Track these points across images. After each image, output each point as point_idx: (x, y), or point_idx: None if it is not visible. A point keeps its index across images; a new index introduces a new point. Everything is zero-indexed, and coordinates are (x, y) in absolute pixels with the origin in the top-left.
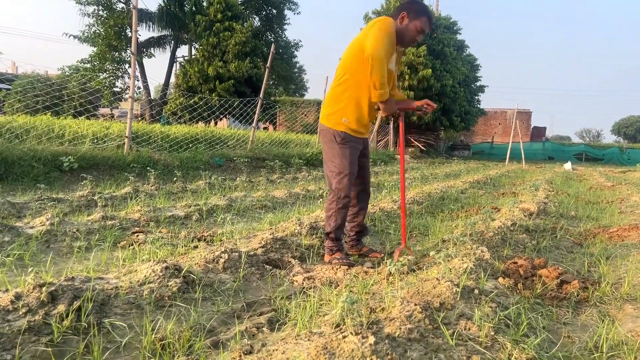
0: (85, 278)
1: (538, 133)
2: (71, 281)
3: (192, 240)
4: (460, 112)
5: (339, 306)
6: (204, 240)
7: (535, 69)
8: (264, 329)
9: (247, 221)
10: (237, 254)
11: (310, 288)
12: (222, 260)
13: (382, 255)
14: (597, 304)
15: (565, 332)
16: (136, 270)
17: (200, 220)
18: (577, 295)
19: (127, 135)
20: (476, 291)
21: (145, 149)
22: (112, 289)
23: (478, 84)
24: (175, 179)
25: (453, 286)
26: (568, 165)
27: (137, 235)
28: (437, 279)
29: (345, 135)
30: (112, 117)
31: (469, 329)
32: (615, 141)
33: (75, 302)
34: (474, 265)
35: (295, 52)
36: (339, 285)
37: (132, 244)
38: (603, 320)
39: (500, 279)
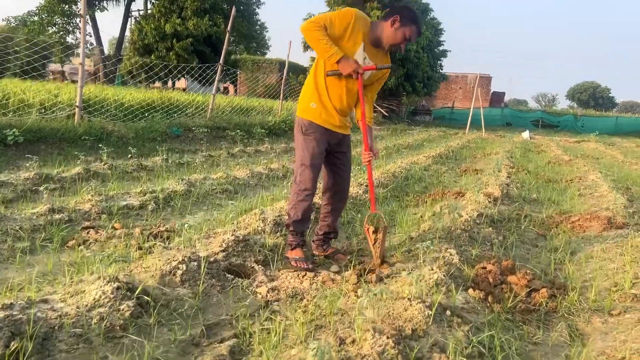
0: (26, 303)
1: (497, 98)
2: (9, 310)
3: (148, 238)
4: (423, 78)
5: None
6: (160, 237)
7: (496, 32)
8: None
9: (207, 209)
10: (195, 263)
11: (274, 301)
12: (179, 272)
13: (349, 257)
14: (566, 315)
15: (538, 356)
16: (84, 291)
17: (156, 211)
18: (546, 305)
19: (77, 104)
20: (448, 312)
21: (98, 119)
22: (56, 317)
23: (441, 48)
24: (130, 155)
25: (425, 309)
26: (526, 134)
27: (88, 232)
28: (408, 299)
29: (309, 125)
30: (63, 74)
31: None
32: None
33: (13, 343)
34: (443, 275)
35: (257, 10)
36: (304, 298)
37: (82, 244)
38: (573, 339)
39: (471, 291)
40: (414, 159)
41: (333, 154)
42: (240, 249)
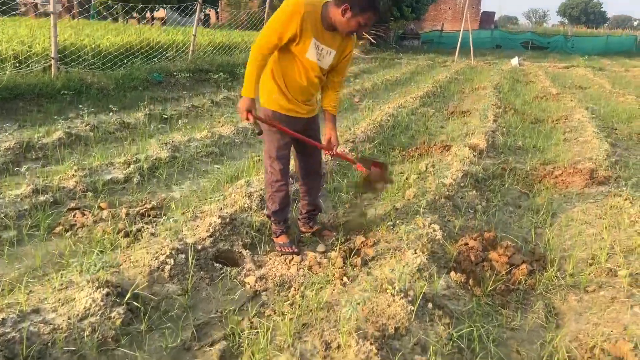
0: (18, 317)
1: (487, 18)
2: (1, 327)
3: (135, 220)
4: (412, 1)
5: None
6: (147, 216)
7: None
8: None
9: (193, 177)
10: (183, 255)
11: (263, 291)
12: (167, 267)
13: (335, 234)
14: (544, 292)
15: (514, 344)
16: (74, 299)
17: (142, 183)
18: (525, 283)
19: (52, 56)
20: (430, 305)
21: (76, 70)
22: (49, 332)
23: None
24: (111, 113)
25: (407, 304)
26: (515, 61)
27: (74, 215)
28: (392, 294)
29: (274, 115)
30: (35, 6)
31: None
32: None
33: None
34: (427, 259)
35: None
36: (292, 286)
37: (69, 229)
38: (549, 321)
39: (452, 274)
40: (402, 101)
41: (304, 135)
42: (227, 232)
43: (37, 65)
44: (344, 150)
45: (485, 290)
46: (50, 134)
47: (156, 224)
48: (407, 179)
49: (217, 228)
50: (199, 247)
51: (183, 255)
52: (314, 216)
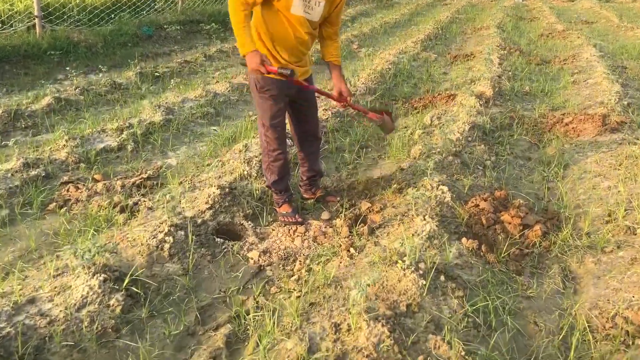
0: (13, 308)
1: None
2: None
3: (131, 192)
4: None
5: None
6: (144, 188)
7: None
8: (222, 356)
9: (189, 142)
10: (182, 232)
11: (267, 265)
12: (167, 246)
13: (339, 199)
14: (559, 254)
15: (531, 315)
16: (70, 287)
17: (136, 150)
18: (540, 245)
19: (36, 14)
20: (442, 277)
21: (62, 28)
22: (45, 325)
23: None
24: (100, 74)
25: (419, 278)
26: None
27: (67, 189)
28: (402, 268)
29: (263, 81)
30: None
31: (439, 348)
32: None
33: None
34: (436, 225)
35: None
36: (297, 259)
37: (63, 205)
38: (566, 286)
39: (464, 240)
40: (402, 47)
41: (297, 98)
42: (227, 203)
43: (20, 24)
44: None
45: (498, 257)
46: (40, 99)
47: (153, 196)
48: (412, 134)
49: (216, 200)
50: (199, 221)
51: (182, 232)
52: (315, 181)
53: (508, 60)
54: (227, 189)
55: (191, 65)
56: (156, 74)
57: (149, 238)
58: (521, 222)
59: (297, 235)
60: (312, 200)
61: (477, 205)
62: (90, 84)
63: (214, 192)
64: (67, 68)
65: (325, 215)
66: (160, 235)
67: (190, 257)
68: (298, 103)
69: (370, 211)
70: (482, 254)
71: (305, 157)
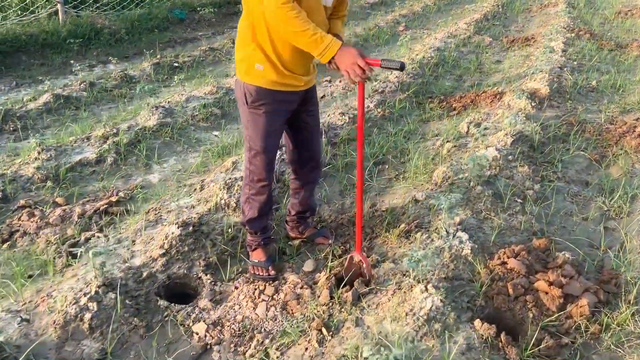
0: None
1: None
2: None
3: (90, 222)
4: None
5: None
6: (108, 216)
7: None
8: None
9: (182, 151)
10: (112, 297)
11: (215, 344)
12: (88, 315)
13: (330, 241)
14: (613, 348)
15: None
16: None
17: (116, 163)
18: (586, 332)
19: None
20: None
21: (86, 13)
22: None
23: None
24: (111, 66)
25: None
26: None
27: (20, 217)
28: None
29: (259, 93)
30: None
31: None
32: None
33: None
34: (442, 297)
35: None
36: (254, 337)
37: (9, 238)
38: None
39: (478, 324)
40: (452, 29)
41: (298, 115)
42: (187, 248)
43: (42, 10)
44: (368, 107)
45: (523, 353)
46: (38, 97)
47: (114, 230)
48: (441, 146)
49: (174, 243)
50: (145, 274)
51: (112, 297)
52: (305, 219)
53: (574, 46)
54: (190, 228)
55: (216, 53)
56: (175, 64)
57: (70, 303)
58: (563, 292)
59: (263, 300)
60: (299, 241)
61: (505, 264)
62: (99, 78)
63: (172, 233)
64: (87, 53)
65: (308, 265)
66: (83, 300)
67: (110, 337)
68: (300, 120)
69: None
70: (500, 345)
71: (299, 188)
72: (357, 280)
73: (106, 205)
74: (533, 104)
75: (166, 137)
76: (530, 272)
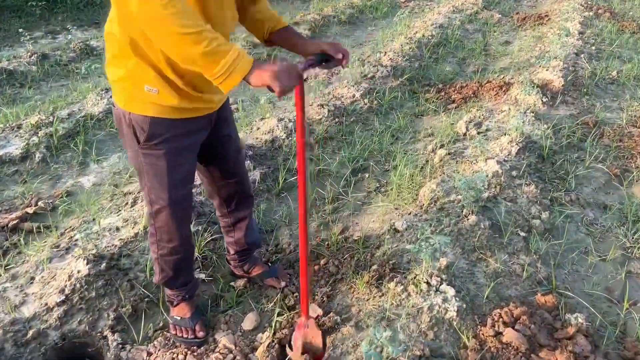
0: None
1: None
2: None
3: None
4: None
5: None
6: (16, 234)
7: None
8: None
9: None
10: None
11: None
12: None
13: (284, 283)
14: None
15: None
16: None
17: (46, 160)
18: None
19: None
20: None
21: None
22: None
23: None
24: (69, 36)
25: None
26: None
27: None
28: None
29: (154, 126)
30: None
31: None
32: None
33: None
34: None
35: None
36: None
37: None
38: None
39: None
40: (458, 3)
41: (212, 142)
42: (95, 293)
43: None
44: (354, 97)
45: None
46: None
47: (17, 253)
48: (433, 152)
49: (77, 287)
50: (31, 332)
51: None
52: (249, 255)
53: (593, 27)
54: (104, 264)
55: None
56: None
57: None
58: None
59: None
60: (244, 280)
61: (500, 334)
62: (55, 49)
63: (78, 272)
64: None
65: (249, 321)
66: None
67: None
68: (215, 149)
69: (318, 323)
70: None
71: (232, 225)
72: (305, 356)
73: (17, 220)
74: (544, 100)
75: (112, 128)
76: (532, 347)
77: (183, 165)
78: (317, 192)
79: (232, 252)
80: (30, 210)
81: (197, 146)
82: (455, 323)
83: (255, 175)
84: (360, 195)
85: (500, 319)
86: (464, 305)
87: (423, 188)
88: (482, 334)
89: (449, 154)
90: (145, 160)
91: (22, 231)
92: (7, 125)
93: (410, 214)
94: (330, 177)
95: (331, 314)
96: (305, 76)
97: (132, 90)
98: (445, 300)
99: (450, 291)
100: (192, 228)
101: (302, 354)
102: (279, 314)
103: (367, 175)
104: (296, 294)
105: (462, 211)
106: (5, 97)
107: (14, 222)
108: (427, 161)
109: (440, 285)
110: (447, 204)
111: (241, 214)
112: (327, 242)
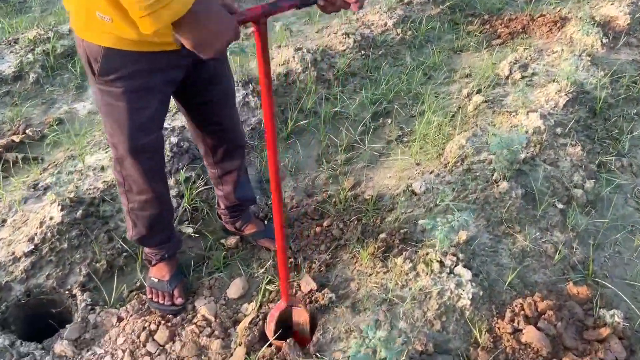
0: None
1: None
2: None
3: None
4: None
5: None
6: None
7: None
8: None
9: None
10: None
11: None
12: None
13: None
14: None
15: None
16: None
17: (41, 82)
18: None
19: None
20: None
21: None
22: None
23: None
24: None
25: None
26: None
27: None
28: None
29: (108, 58)
30: None
31: None
32: None
33: None
34: None
35: None
36: None
37: None
38: None
39: None
40: None
41: (192, 82)
42: (67, 244)
43: None
44: (385, 25)
45: None
46: None
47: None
48: (467, 97)
49: (49, 236)
50: None
51: None
52: (241, 211)
53: None
54: (80, 211)
55: None
56: None
57: None
58: None
59: (146, 354)
60: (236, 239)
61: (519, 332)
62: None
63: (50, 219)
64: None
65: (235, 288)
66: None
67: None
68: (196, 88)
69: (310, 297)
70: None
71: (220, 178)
72: (288, 341)
73: (0, 150)
74: (604, 41)
75: None
76: (556, 350)
77: (146, 108)
78: (329, 138)
79: (222, 206)
80: (16, 138)
81: (164, 87)
82: (467, 313)
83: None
84: (379, 146)
85: (522, 313)
86: (481, 293)
87: (450, 142)
88: (498, 329)
89: (485, 101)
90: (103, 100)
91: (3, 162)
92: (3, 39)
93: (432, 172)
94: (347, 121)
95: (326, 290)
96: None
97: (85, 17)
98: (459, 285)
99: (466, 274)
100: (184, 174)
101: (280, 338)
102: (269, 282)
103: (389, 121)
104: (291, 259)
105: (492, 175)
106: (9, 6)
107: (9, 142)
108: (459, 108)
109: (455, 266)
110: (475, 165)
111: (229, 166)
112: (334, 199)
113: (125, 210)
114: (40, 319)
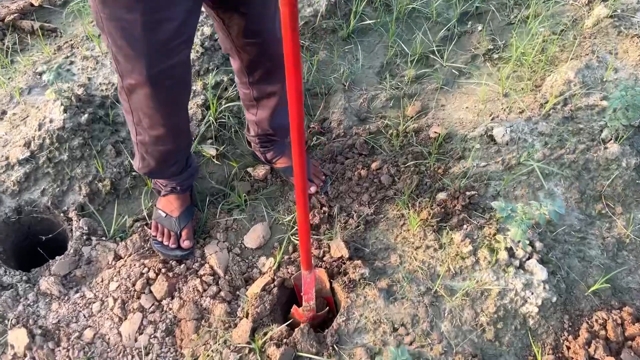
0: None
1: None
2: None
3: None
4: None
5: None
6: (13, 32)
7: None
8: None
9: None
10: None
11: None
12: None
13: (315, 189)
14: None
15: None
16: None
17: None
18: None
19: None
20: None
21: None
22: None
23: None
24: None
25: None
26: None
27: None
28: None
29: None
30: None
31: None
32: None
33: None
34: None
35: None
36: None
37: None
38: None
39: None
40: None
41: None
42: (68, 155)
43: None
44: None
45: None
46: None
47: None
48: (587, 4)
49: (47, 142)
50: None
51: None
52: (272, 142)
53: None
54: (86, 115)
55: None
56: None
57: None
58: None
59: (139, 309)
60: (265, 170)
61: (595, 349)
62: None
63: (50, 122)
64: None
65: (254, 236)
66: None
67: None
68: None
69: (343, 279)
70: None
71: (255, 100)
72: (302, 327)
73: (15, 15)
74: None
75: None
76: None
77: (170, 20)
78: (399, 45)
79: (252, 132)
80: (35, 1)
81: None
82: (531, 322)
83: (319, 5)
84: (460, 61)
85: (602, 334)
86: (554, 299)
87: (553, 74)
88: (567, 348)
89: (611, 16)
90: (107, 12)
91: (17, 30)
92: None
93: (522, 113)
94: (426, 21)
95: (359, 261)
96: None
97: None
98: (527, 285)
99: (540, 274)
100: (213, 78)
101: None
102: (294, 235)
103: (479, 28)
104: (325, 208)
105: (601, 132)
106: None
107: (13, 16)
108: (573, 21)
109: (527, 259)
110: (581, 112)
111: (268, 88)
112: (390, 131)
113: (133, 140)
114: (30, 243)
